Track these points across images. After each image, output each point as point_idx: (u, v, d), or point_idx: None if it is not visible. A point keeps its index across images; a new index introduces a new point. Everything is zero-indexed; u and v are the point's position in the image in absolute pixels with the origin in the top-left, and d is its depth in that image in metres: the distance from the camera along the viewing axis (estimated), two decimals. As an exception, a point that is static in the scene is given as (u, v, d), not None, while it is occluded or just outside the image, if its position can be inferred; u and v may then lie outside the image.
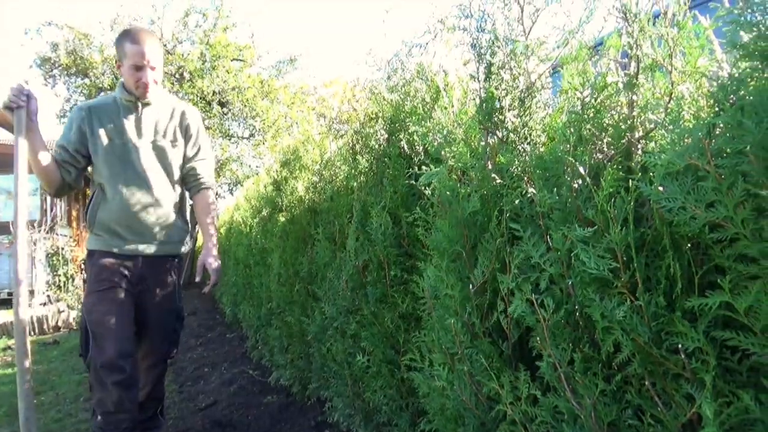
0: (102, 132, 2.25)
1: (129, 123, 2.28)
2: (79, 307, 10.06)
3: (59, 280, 10.00)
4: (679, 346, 0.84)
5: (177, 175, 2.39)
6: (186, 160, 2.41)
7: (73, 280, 10.70)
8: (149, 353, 2.40)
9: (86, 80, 13.65)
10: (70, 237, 13.53)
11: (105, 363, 2.13)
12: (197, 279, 2.33)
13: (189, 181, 2.44)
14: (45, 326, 7.68)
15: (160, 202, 2.30)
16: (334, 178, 2.95)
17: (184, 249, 2.47)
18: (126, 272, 2.25)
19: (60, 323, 8.09)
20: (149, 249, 2.30)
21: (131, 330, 2.24)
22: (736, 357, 0.85)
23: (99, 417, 2.18)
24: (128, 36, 2.18)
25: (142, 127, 2.30)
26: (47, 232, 10.48)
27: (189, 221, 2.49)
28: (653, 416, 0.94)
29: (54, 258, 10.34)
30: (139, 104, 2.29)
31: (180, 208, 2.42)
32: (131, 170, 2.25)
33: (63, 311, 8.52)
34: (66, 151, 2.24)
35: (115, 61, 2.25)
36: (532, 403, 1.19)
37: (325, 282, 2.53)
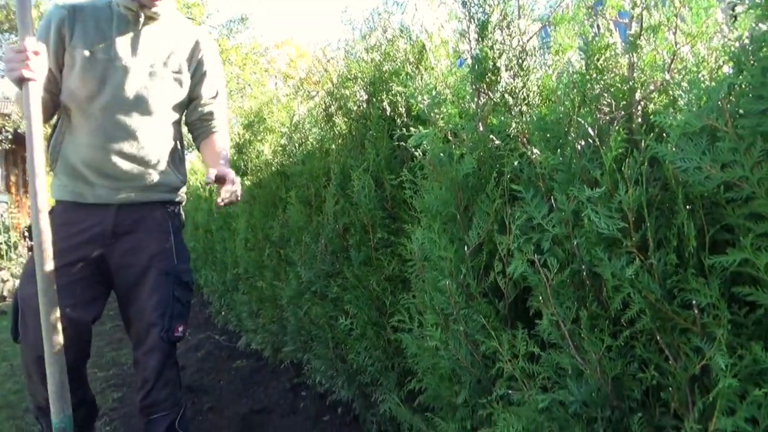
0: (83, 40, 1.71)
1: (122, 38, 1.75)
2: (25, 275, 9.70)
3: (0, 249, 9.53)
4: (693, 302, 0.87)
5: (174, 115, 1.89)
6: (198, 101, 1.94)
7: (16, 248, 10.24)
8: (141, 335, 1.81)
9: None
10: (10, 203, 12.89)
11: (31, 354, 1.69)
12: (208, 180, 1.68)
13: (199, 126, 1.97)
14: (-11, 296, 7.37)
15: (147, 141, 1.80)
16: (304, 140, 2.89)
17: (176, 197, 1.95)
18: (97, 229, 1.77)
19: (5, 293, 7.78)
20: (125, 197, 1.80)
21: (80, 312, 1.74)
22: (743, 311, 0.88)
23: (32, 406, 1.85)
24: None
25: (139, 47, 1.77)
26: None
27: (183, 170, 2.00)
28: (658, 369, 0.97)
29: (-8, 225, 9.80)
30: (141, 17, 1.76)
31: (173, 154, 1.92)
32: (113, 96, 1.73)
33: (7, 280, 8.20)
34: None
35: None
36: (529, 359, 1.22)
37: (299, 246, 2.50)
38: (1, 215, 10.70)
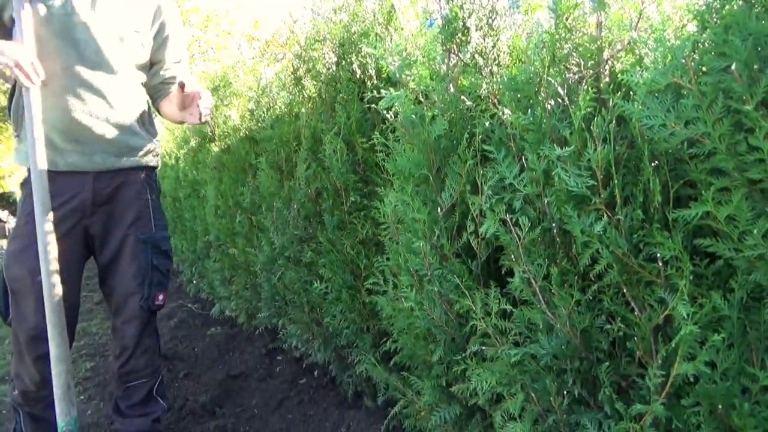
0: None
1: None
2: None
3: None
4: (658, 255, 0.91)
5: (138, 75, 1.85)
6: (161, 65, 1.90)
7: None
8: (120, 303, 1.82)
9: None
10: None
11: (26, 334, 1.66)
12: (180, 84, 1.68)
13: (160, 88, 1.93)
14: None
15: (115, 101, 1.75)
16: (272, 105, 2.84)
17: (152, 161, 1.92)
18: (76, 200, 1.73)
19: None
20: (100, 162, 1.75)
21: (68, 289, 1.69)
22: (703, 263, 0.92)
23: (16, 392, 1.76)
24: None
25: (98, 1, 1.70)
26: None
27: (154, 131, 1.96)
28: (624, 320, 1.02)
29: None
30: None
31: (142, 114, 1.87)
32: (73, 51, 1.66)
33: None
34: None
35: None
36: (501, 316, 1.26)
37: (271, 212, 2.48)
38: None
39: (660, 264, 0.91)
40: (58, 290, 1.55)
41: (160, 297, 1.85)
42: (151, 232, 1.87)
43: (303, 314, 2.24)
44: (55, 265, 1.54)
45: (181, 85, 1.67)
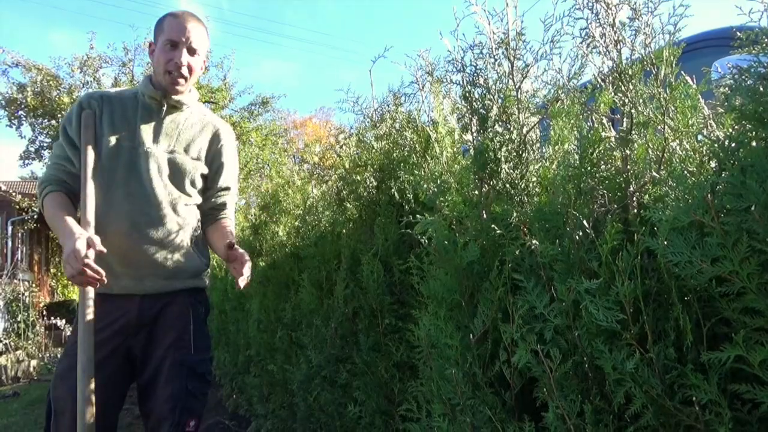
0: (110, 129, 1.77)
1: (146, 126, 1.81)
2: (40, 355, 9.68)
3: (18, 328, 9.52)
4: (693, 398, 0.86)
5: (194, 199, 1.90)
6: (213, 191, 1.95)
7: (34, 326, 10.28)
8: (155, 428, 1.76)
9: (53, 122, 13.48)
10: (31, 281, 13.08)
11: None
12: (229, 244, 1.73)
13: (209, 214, 1.97)
14: (3, 377, 7.31)
15: (170, 225, 1.80)
16: (317, 223, 2.95)
17: (200, 283, 1.93)
18: (121, 321, 1.75)
19: (19, 374, 7.73)
20: (150, 286, 1.78)
21: (107, 411, 1.69)
22: (746, 408, 0.87)
23: None
24: (171, 13, 1.79)
25: (161, 133, 1.82)
26: (8, 277, 9.99)
27: (207, 253, 1.98)
28: (666, 467, 0.95)
29: (13, 304, 9.81)
30: (164, 105, 1.82)
31: (196, 238, 1.90)
32: (136, 182, 1.76)
33: (23, 361, 8.18)
34: (71, 162, 1.77)
35: (149, 46, 1.83)
36: (537, 454, 1.19)
37: (311, 329, 2.49)
38: (23, 293, 10.78)
39: (697, 408, 0.87)
40: (92, 411, 1.56)
41: (191, 423, 1.76)
42: (189, 354, 1.81)
43: (337, 439, 2.17)
44: (90, 388, 1.56)
45: (230, 246, 1.72)
